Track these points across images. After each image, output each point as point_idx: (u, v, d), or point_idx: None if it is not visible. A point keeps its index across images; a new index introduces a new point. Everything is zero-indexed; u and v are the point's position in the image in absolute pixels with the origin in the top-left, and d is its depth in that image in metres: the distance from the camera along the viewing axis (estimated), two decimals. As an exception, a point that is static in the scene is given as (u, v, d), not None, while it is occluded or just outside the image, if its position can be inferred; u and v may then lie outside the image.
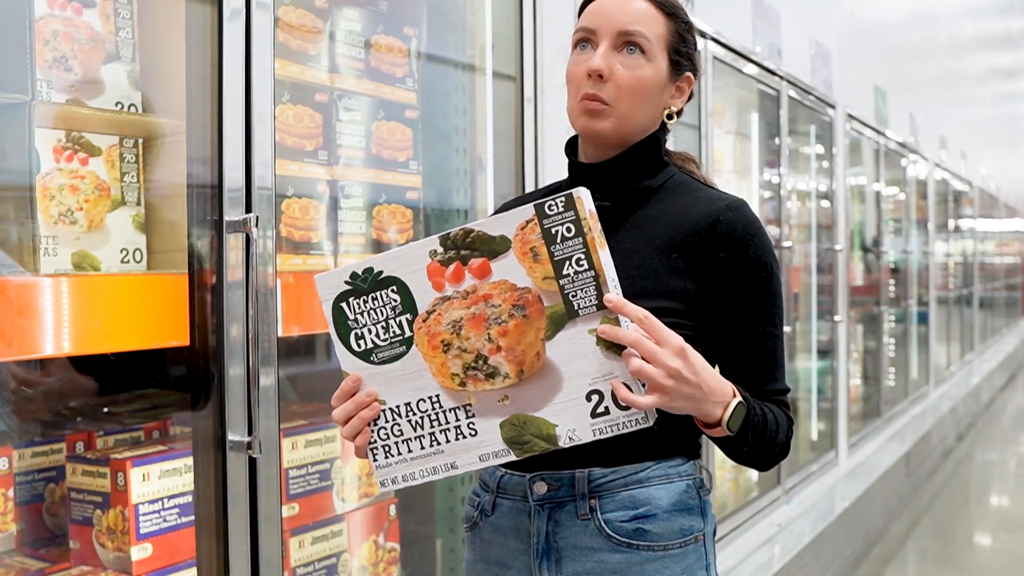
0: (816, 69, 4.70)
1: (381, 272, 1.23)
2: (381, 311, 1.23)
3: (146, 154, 1.72)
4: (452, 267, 1.19)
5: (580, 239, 1.15)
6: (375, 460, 1.28)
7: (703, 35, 3.40)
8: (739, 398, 1.24)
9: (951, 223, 9.58)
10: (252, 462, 1.73)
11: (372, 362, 1.25)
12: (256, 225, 1.68)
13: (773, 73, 4.13)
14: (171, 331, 1.66)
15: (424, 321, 1.21)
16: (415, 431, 1.25)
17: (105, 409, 2.04)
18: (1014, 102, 15.02)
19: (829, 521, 4.07)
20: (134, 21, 1.70)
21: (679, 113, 1.43)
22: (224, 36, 1.68)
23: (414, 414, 1.24)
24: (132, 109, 1.69)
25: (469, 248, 1.19)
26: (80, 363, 1.90)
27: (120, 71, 1.67)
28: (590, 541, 1.31)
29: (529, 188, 2.48)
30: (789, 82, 4.31)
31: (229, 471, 1.70)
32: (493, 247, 1.18)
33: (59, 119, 1.59)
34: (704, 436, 1.39)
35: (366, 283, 1.23)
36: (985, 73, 12.13)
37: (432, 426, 1.24)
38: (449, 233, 1.19)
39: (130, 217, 1.68)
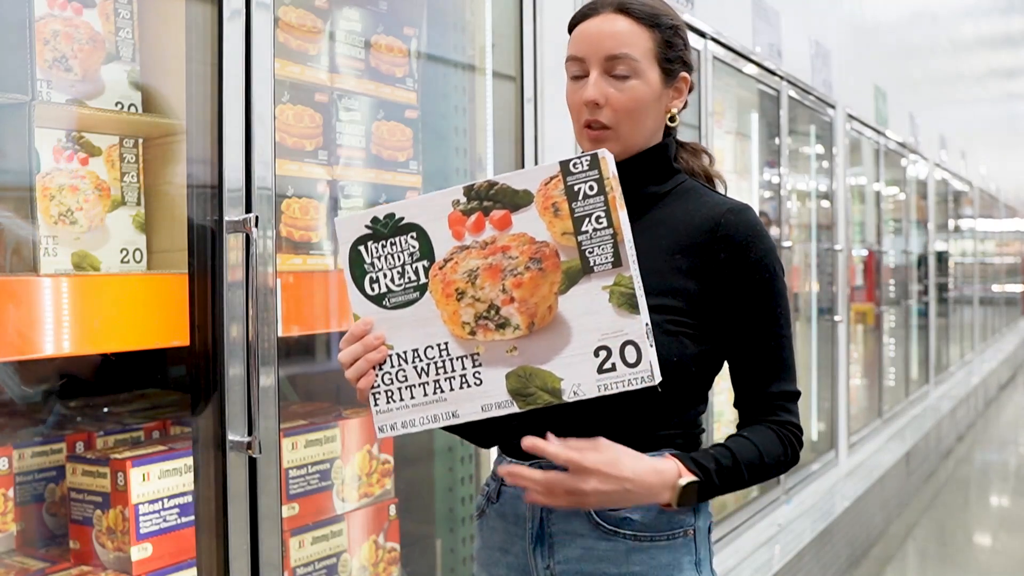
0: (816, 69, 4.71)
1: (402, 218, 1.24)
2: (398, 256, 1.24)
3: (146, 154, 1.72)
4: (474, 217, 1.21)
5: (602, 198, 1.17)
6: (376, 404, 1.28)
7: (703, 35, 3.41)
8: (687, 479, 1.26)
9: (951, 223, 9.58)
10: (252, 462, 1.73)
11: (384, 307, 1.26)
12: (256, 225, 1.68)
13: (773, 73, 4.13)
14: (171, 331, 1.66)
15: (440, 268, 1.23)
16: (420, 377, 1.26)
17: (105, 409, 2.04)
18: (1014, 102, 15.02)
19: (829, 521, 4.07)
20: (134, 21, 1.70)
21: (683, 107, 1.45)
22: (224, 36, 1.68)
23: (420, 360, 1.25)
24: (132, 109, 1.69)
25: (492, 200, 1.20)
26: (81, 363, 1.90)
27: (120, 71, 1.67)
28: (579, 528, 1.35)
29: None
30: (789, 82, 4.31)
31: (229, 471, 1.70)
32: (516, 200, 1.20)
33: (59, 119, 1.59)
34: (704, 434, 1.42)
35: (386, 228, 1.24)
36: (985, 73, 12.13)
37: (437, 373, 1.25)
38: (473, 184, 1.21)
39: (130, 217, 1.68)
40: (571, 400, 1.21)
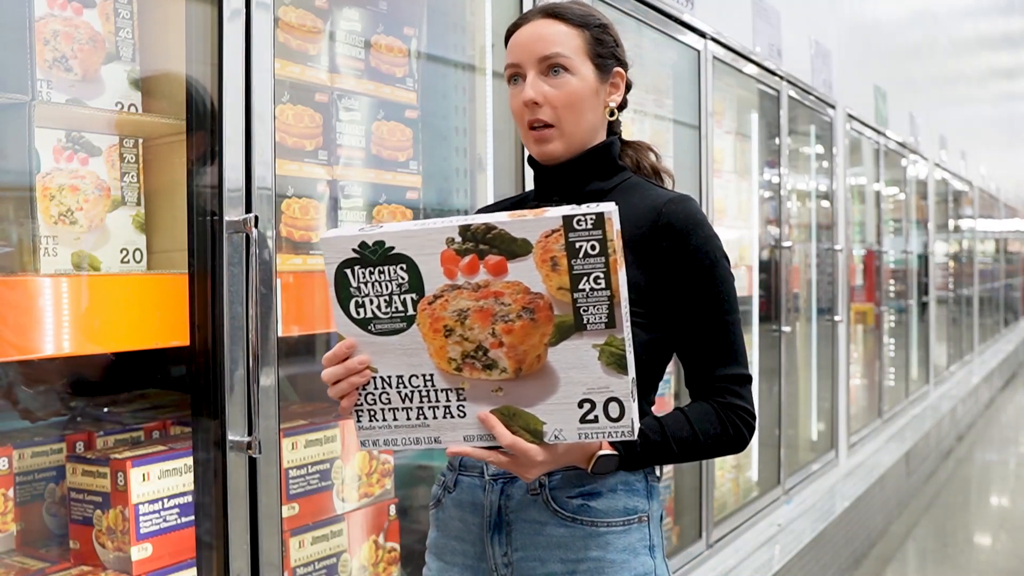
0: (816, 69, 4.71)
1: (392, 248, 1.21)
2: (386, 285, 1.22)
3: (146, 154, 1.72)
4: (468, 258, 1.19)
5: (602, 258, 1.15)
6: (359, 422, 1.29)
7: (703, 35, 3.41)
8: (604, 451, 1.32)
9: (951, 223, 9.58)
10: (252, 462, 1.73)
11: (369, 331, 1.25)
12: (256, 225, 1.68)
13: (773, 73, 4.13)
14: (171, 331, 1.66)
15: (430, 304, 1.21)
16: (403, 402, 1.26)
17: (105, 409, 2.04)
18: (1014, 102, 15.02)
19: (829, 521, 4.07)
20: (134, 21, 1.70)
21: (622, 106, 1.52)
22: (224, 36, 1.68)
23: (405, 387, 1.26)
24: (132, 109, 1.69)
25: (488, 244, 1.18)
26: (81, 363, 1.90)
27: (120, 71, 1.67)
28: (538, 515, 1.39)
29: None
30: (789, 82, 4.31)
31: (229, 471, 1.70)
32: (513, 248, 1.18)
33: (59, 119, 1.59)
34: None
35: (375, 255, 1.22)
36: (985, 73, 12.13)
37: (421, 401, 1.26)
38: (470, 225, 1.18)
39: (130, 217, 1.68)
40: (552, 443, 1.24)
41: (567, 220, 1.15)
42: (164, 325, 1.65)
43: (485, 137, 2.53)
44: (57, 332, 1.49)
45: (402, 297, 1.22)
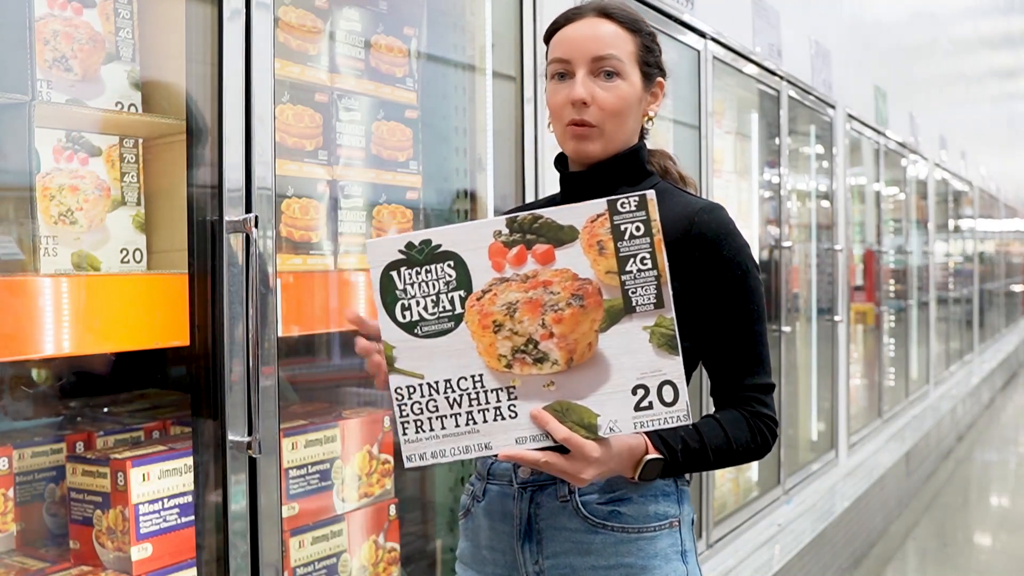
0: (816, 69, 4.71)
1: (439, 246, 1.21)
2: (433, 284, 1.22)
3: (146, 154, 1.72)
4: (515, 249, 1.20)
5: (648, 239, 1.18)
6: (404, 434, 1.25)
7: (703, 35, 3.41)
8: (651, 456, 1.30)
9: (951, 223, 9.58)
10: (252, 462, 1.73)
11: (416, 335, 1.23)
12: (256, 225, 1.68)
13: (773, 73, 4.13)
14: (171, 331, 1.66)
15: (478, 300, 1.21)
16: (451, 408, 1.24)
17: (105, 409, 2.04)
18: (1014, 102, 15.02)
19: (829, 521, 4.07)
20: (134, 21, 1.70)
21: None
22: (224, 36, 1.68)
23: (453, 391, 1.23)
24: (132, 109, 1.69)
25: (535, 233, 1.20)
26: (81, 363, 1.90)
27: (120, 71, 1.67)
28: (568, 522, 1.38)
29: (529, 187, 2.48)
30: (789, 82, 4.31)
31: (229, 471, 1.70)
32: (560, 236, 1.19)
33: (59, 119, 1.59)
34: None
35: (421, 255, 1.22)
36: (985, 73, 12.13)
37: (471, 405, 1.23)
38: (516, 216, 1.20)
39: (130, 217, 1.68)
40: (607, 436, 1.22)
41: (611, 204, 1.18)
42: (164, 325, 1.65)
43: (485, 137, 2.53)
44: (57, 332, 1.49)
45: (450, 295, 1.22)
